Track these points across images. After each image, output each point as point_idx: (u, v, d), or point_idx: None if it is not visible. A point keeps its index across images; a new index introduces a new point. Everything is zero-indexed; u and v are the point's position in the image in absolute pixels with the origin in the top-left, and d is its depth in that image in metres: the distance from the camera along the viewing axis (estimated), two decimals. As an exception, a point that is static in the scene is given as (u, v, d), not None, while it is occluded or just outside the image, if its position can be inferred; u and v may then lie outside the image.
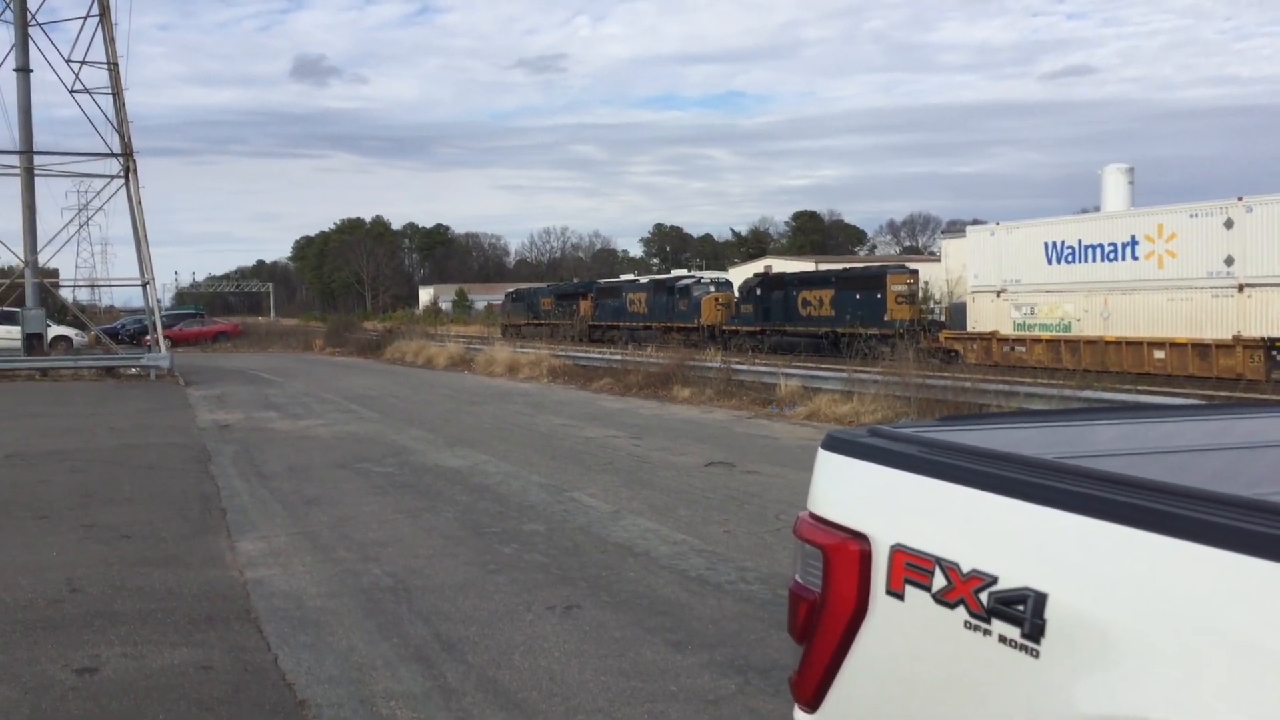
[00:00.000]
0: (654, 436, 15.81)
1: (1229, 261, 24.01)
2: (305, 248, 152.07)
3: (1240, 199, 24.02)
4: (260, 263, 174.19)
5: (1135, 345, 25.86)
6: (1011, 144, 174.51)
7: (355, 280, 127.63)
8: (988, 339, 30.16)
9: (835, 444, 2.42)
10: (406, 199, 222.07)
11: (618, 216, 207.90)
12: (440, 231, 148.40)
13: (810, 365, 24.83)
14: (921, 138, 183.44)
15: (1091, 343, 26.90)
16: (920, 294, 34.96)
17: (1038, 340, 28.64)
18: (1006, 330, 29.83)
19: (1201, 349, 24.31)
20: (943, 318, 35.19)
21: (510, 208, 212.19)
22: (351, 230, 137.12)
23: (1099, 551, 1.74)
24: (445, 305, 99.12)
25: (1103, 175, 35.08)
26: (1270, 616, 1.50)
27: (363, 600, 7.12)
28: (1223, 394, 18.62)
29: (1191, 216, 25.06)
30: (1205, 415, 3.04)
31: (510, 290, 71.41)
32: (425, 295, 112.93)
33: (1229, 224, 24.00)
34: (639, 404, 21.27)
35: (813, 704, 2.34)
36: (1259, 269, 23.32)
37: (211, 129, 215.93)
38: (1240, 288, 23.72)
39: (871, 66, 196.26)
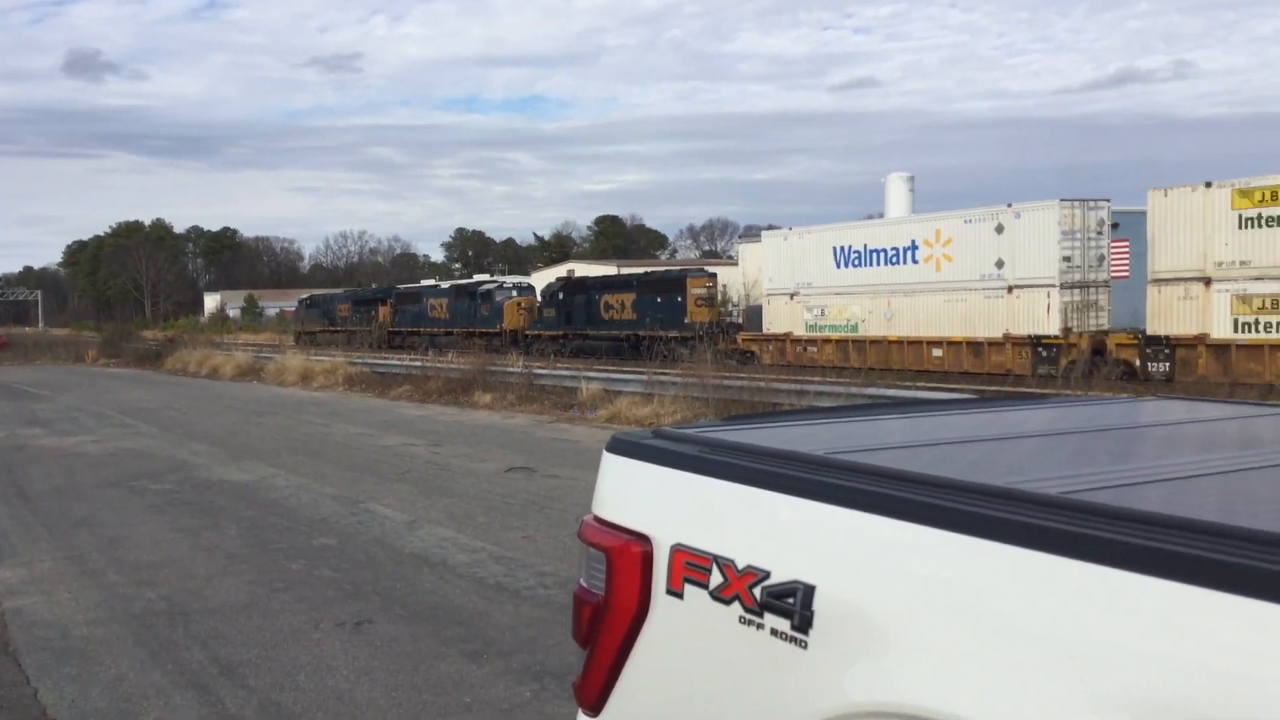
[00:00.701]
0: (454, 443, 15.54)
1: (1000, 264, 25.68)
2: (78, 253, 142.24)
3: (1010, 206, 25.74)
4: (28, 269, 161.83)
5: (916, 344, 27.32)
6: (804, 152, 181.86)
7: (133, 287, 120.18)
8: (782, 340, 31.22)
9: (619, 446, 2.39)
10: (193, 201, 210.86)
11: (419, 220, 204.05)
12: (228, 235, 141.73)
13: (611, 368, 25.04)
14: (720, 145, 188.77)
15: (876, 342, 28.25)
16: (719, 297, 35.86)
17: (828, 340, 29.86)
18: (799, 331, 30.97)
19: (975, 347, 25.93)
20: (740, 320, 36.20)
21: (305, 211, 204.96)
22: (129, 234, 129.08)
23: (864, 542, 1.76)
24: (233, 313, 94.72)
25: (887, 183, 37.00)
26: (1021, 599, 1.54)
27: (134, 626, 6.65)
28: (992, 388, 19.89)
29: (966, 222, 26.69)
30: (970, 409, 3.17)
31: (305, 296, 68.86)
32: (211, 302, 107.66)
33: (1000, 229, 25.67)
34: (439, 411, 20.89)
35: (596, 707, 2.29)
36: (1026, 271, 25.04)
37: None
38: (1010, 289, 25.41)
39: (671, 75, 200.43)
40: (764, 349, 31.43)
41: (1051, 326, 24.47)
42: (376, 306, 53.55)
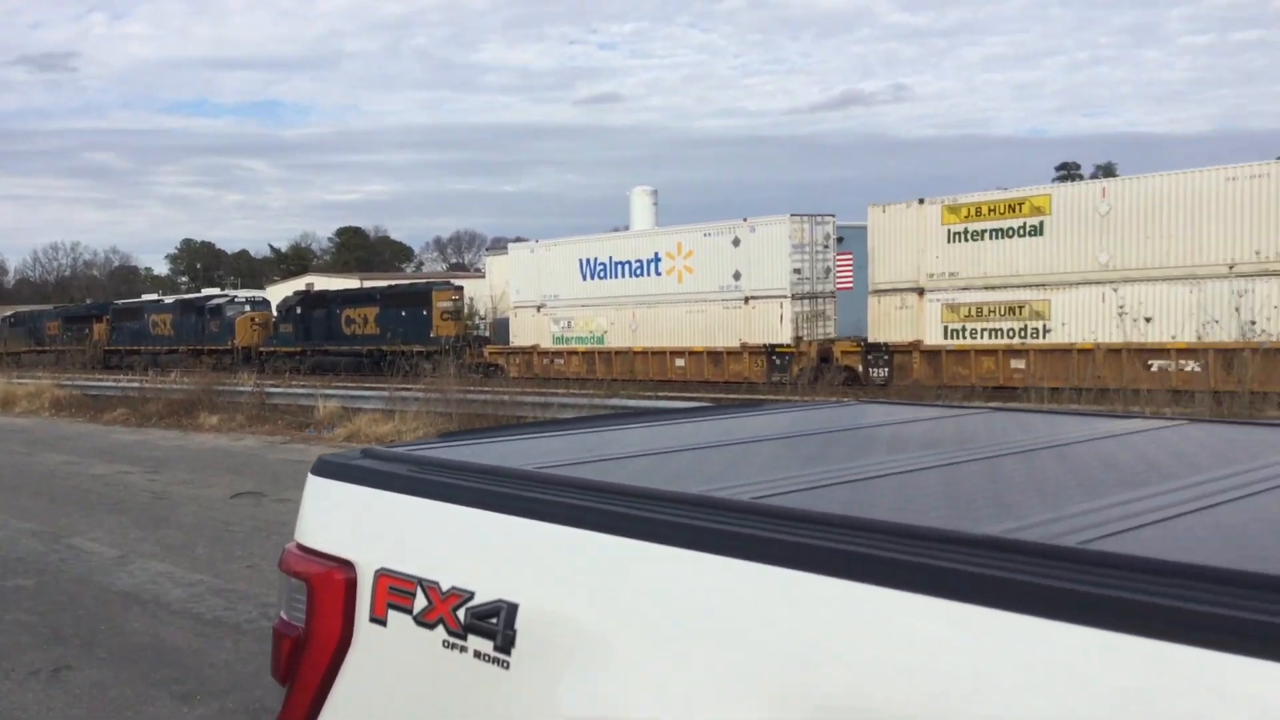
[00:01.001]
0: (174, 469, 14.54)
1: (737, 276, 26.79)
2: None
3: (745, 220, 26.91)
4: None
5: (660, 354, 28.05)
6: (552, 164, 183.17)
7: None
8: (529, 353, 31.27)
9: (324, 468, 2.26)
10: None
11: (141, 231, 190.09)
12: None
13: (351, 385, 24.24)
14: (468, 155, 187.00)
15: (622, 353, 28.80)
16: (466, 310, 35.51)
17: (574, 352, 30.17)
18: (546, 344, 31.12)
19: (715, 356, 26.91)
20: (488, 333, 35.98)
21: (10, 220, 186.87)
22: None
23: (566, 557, 1.73)
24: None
25: (631, 196, 37.78)
26: (718, 605, 1.55)
27: None
28: (730, 396, 20.69)
29: (705, 235, 27.68)
30: (690, 418, 3.23)
31: (8, 314, 62.77)
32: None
33: (736, 242, 26.78)
34: (159, 435, 19.52)
35: (297, 750, 2.14)
36: (761, 283, 26.25)
37: None
38: (746, 300, 26.55)
39: (416, 83, 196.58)
40: (511, 362, 31.38)
41: (784, 336, 25.75)
42: (90, 324, 49.57)
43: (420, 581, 1.91)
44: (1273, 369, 16.95)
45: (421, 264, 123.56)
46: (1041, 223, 21.43)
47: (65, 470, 14.77)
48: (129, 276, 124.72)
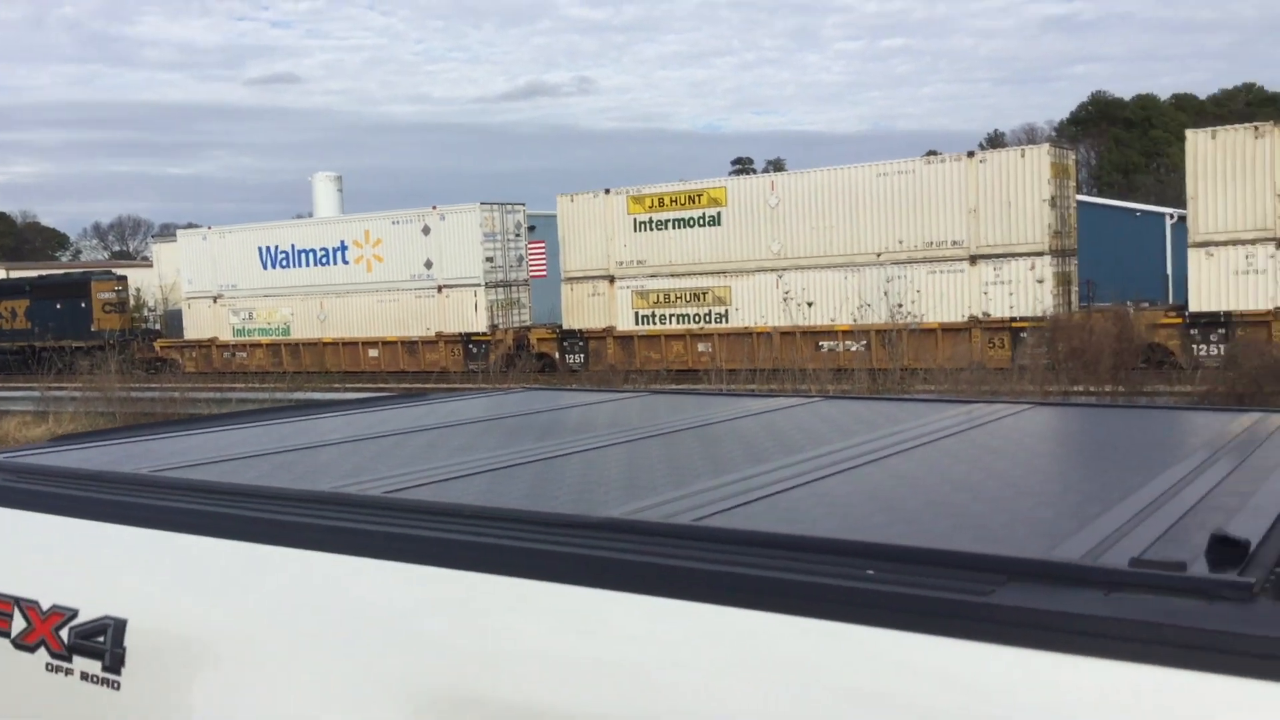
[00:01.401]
0: None
1: (429, 265, 26.40)
2: None
3: (435, 208, 26.55)
4: None
5: (352, 345, 27.20)
6: (225, 147, 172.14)
7: None
8: (207, 346, 29.41)
9: None
10: None
11: None
12: None
13: (-2, 385, 21.85)
14: (128, 135, 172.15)
15: (310, 345, 27.67)
16: (132, 302, 32.84)
17: (258, 345, 28.67)
18: (226, 336, 29.38)
19: (410, 346, 26.42)
20: (159, 326, 33.46)
21: None
22: None
23: (181, 565, 1.65)
24: None
25: (313, 182, 36.28)
26: (353, 606, 1.52)
27: None
28: (425, 385, 20.41)
29: (394, 223, 27.07)
30: (352, 410, 3.15)
31: None
32: None
33: (426, 230, 26.37)
34: None
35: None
36: (454, 271, 26.01)
37: None
38: (440, 289, 26.22)
39: (65, 56, 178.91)
40: (186, 356, 29.39)
41: (479, 324, 25.68)
42: None
43: (17, 601, 1.75)
44: (922, 347, 18.81)
45: (79, 252, 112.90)
46: (719, 213, 22.60)
47: None
48: None
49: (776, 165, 72.98)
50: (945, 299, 20.26)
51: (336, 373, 25.65)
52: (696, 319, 23.04)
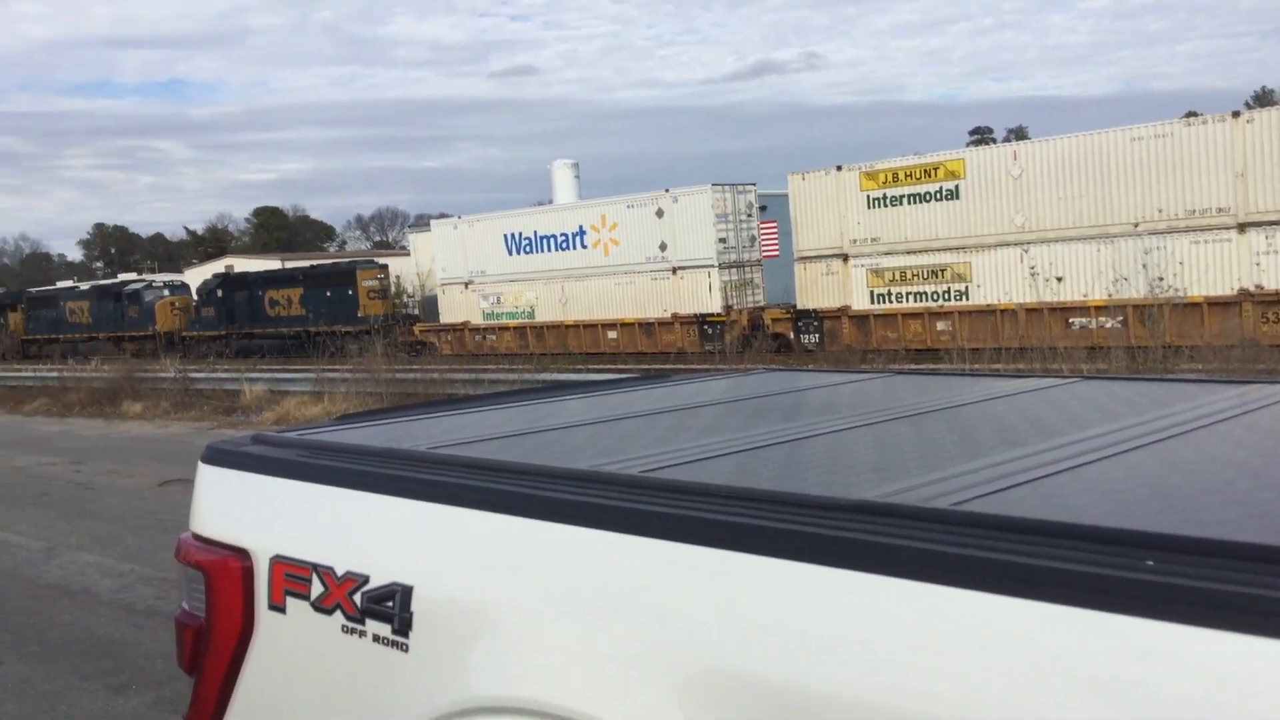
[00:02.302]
0: (99, 459, 14.25)
1: (663, 247, 26.83)
2: None
3: (668, 191, 26.92)
4: None
5: (591, 327, 28.04)
6: (472, 139, 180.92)
7: None
8: (460, 329, 31.04)
9: (214, 456, 2.26)
10: None
11: (51, 216, 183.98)
12: None
13: (277, 368, 23.89)
14: (384, 132, 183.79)
15: (553, 327, 28.73)
16: (392, 288, 35.11)
17: (505, 328, 30.02)
18: (477, 320, 30.91)
19: (647, 327, 26.97)
20: (417, 311, 35.63)
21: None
22: None
23: (458, 537, 1.76)
24: None
25: (552, 170, 37.54)
26: (608, 581, 1.59)
27: None
28: (663, 366, 20.79)
29: (629, 208, 27.65)
30: (600, 391, 3.27)
31: (-83, 305, 60.64)
32: None
33: (660, 213, 26.80)
34: (82, 424, 19.09)
35: (208, 739, 2.16)
36: (688, 253, 26.33)
37: None
38: (674, 270, 26.61)
39: (326, 59, 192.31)
40: (442, 339, 31.14)
41: (714, 305, 25.88)
42: (5, 313, 48.08)
43: (315, 567, 1.92)
44: (1185, 323, 17.49)
45: (344, 243, 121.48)
46: (957, 186, 21.78)
47: (-18, 465, 14.41)
48: (41, 263, 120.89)
49: (1018, 134, 69.55)
50: (1211, 270, 18.73)
51: (579, 354, 26.50)
52: (934, 297, 22.32)
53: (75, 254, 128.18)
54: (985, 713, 1.22)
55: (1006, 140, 61.97)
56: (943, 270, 22.16)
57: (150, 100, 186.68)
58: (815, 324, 23.96)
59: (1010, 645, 1.23)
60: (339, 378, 18.10)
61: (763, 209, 27.41)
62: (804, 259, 24.27)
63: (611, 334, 27.67)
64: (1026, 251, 20.77)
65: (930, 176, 22.16)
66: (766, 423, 2.41)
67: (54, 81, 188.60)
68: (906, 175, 22.53)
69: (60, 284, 64.92)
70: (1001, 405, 2.62)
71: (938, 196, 22.07)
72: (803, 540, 1.41)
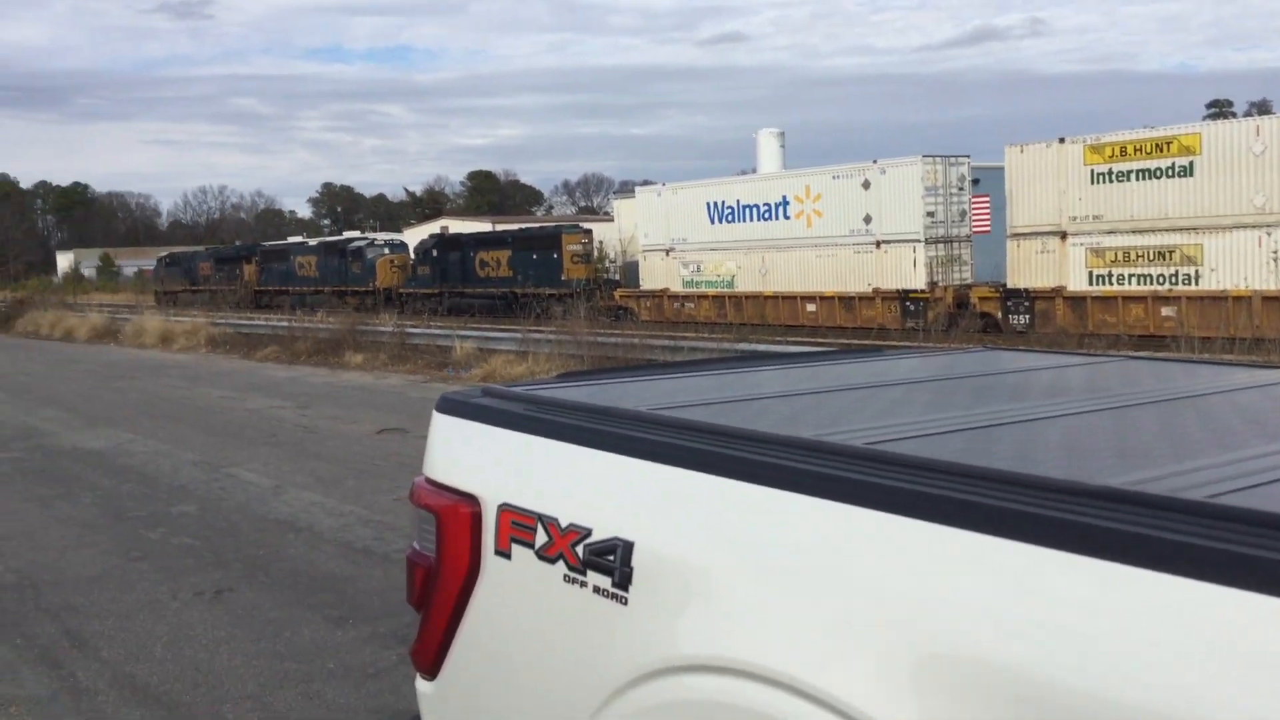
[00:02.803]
0: (323, 405, 15.23)
1: (867, 220, 26.26)
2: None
3: (875, 162, 26.29)
4: None
5: (790, 299, 27.80)
6: (679, 106, 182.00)
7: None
8: (659, 296, 31.39)
9: (448, 406, 2.37)
10: (41, 155, 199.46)
11: (285, 175, 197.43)
12: (79, 190, 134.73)
13: (486, 326, 24.82)
14: (594, 98, 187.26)
15: (752, 298, 28.65)
16: (595, 253, 35.80)
17: (704, 296, 30.15)
18: (676, 287, 31.17)
19: (847, 301, 26.52)
20: (618, 276, 36.23)
21: (162, 165, 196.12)
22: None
23: (678, 497, 1.80)
24: (89, 272, 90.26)
25: (758, 138, 37.31)
26: (826, 550, 1.59)
27: (-23, 603, 6.36)
28: (856, 342, 20.42)
29: (834, 178, 27.17)
30: (809, 363, 3.25)
31: (164, 255, 66.09)
32: (64, 261, 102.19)
33: (866, 185, 26.22)
34: (308, 372, 20.41)
35: (432, 671, 2.29)
36: (893, 226, 25.67)
37: None
38: (878, 244, 26.02)
39: (542, 26, 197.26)
40: (641, 305, 31.56)
41: (918, 281, 25.18)
42: (241, 265, 51.80)
43: (540, 517, 2.00)
44: None
45: (551, 207, 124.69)
46: (1191, 163, 20.32)
47: (222, 404, 15.64)
48: (274, 219, 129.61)
49: (1261, 108, 64.25)
50: None
51: (777, 326, 26.35)
52: (1160, 280, 20.96)
53: (305, 211, 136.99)
54: (1220, 715, 1.17)
55: (1248, 114, 57.36)
56: (1171, 252, 20.80)
57: (377, 66, 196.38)
58: (1026, 304, 22.95)
59: (1267, 649, 1.16)
60: (542, 338, 18.65)
61: (975, 182, 26.39)
62: (1017, 235, 23.24)
63: (810, 307, 27.35)
64: (1269, 234, 19.22)
65: (1162, 151, 20.76)
66: (994, 402, 2.34)
67: (291, 46, 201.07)
68: (1136, 149, 21.19)
69: (290, 239, 69.43)
70: (1254, 396, 2.45)
71: (1169, 173, 20.67)
72: (1047, 525, 1.36)
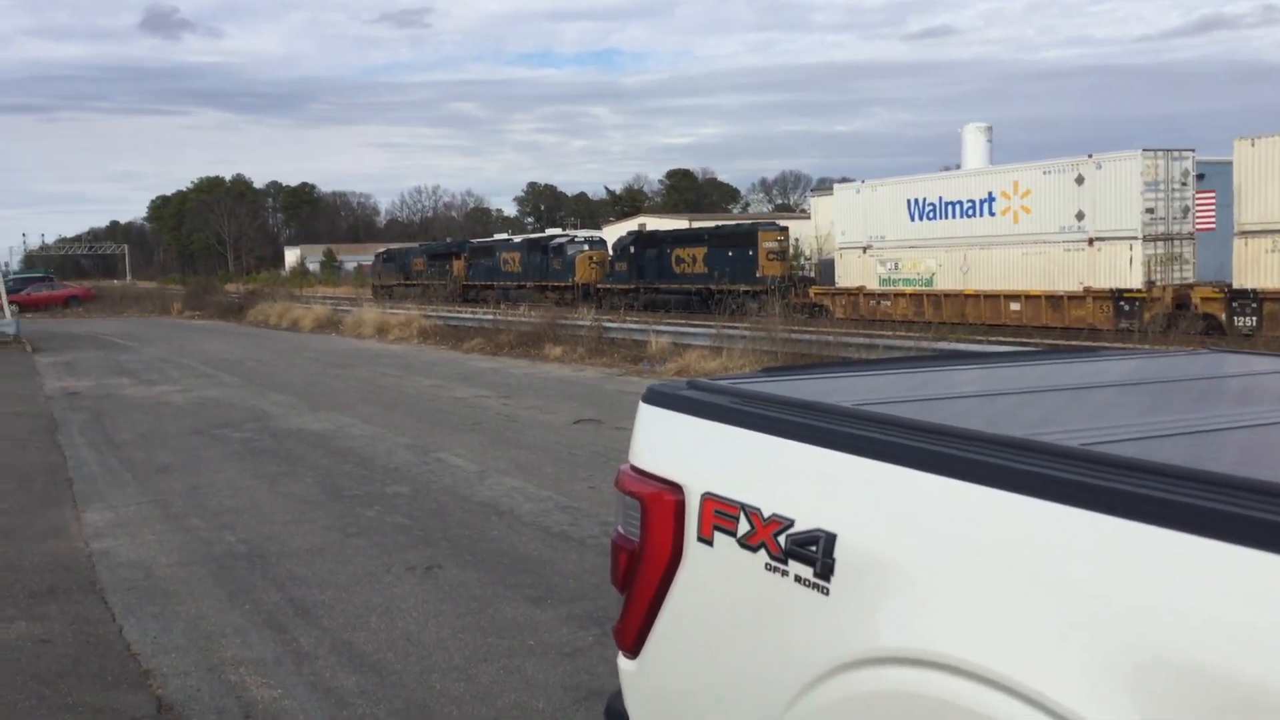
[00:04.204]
0: (523, 395, 15.76)
1: (1080, 216, 25.04)
2: (162, 208, 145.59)
3: (1090, 156, 25.04)
4: (115, 224, 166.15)
5: (993, 298, 26.84)
6: (883, 103, 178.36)
7: (216, 241, 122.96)
8: (855, 294, 30.90)
9: (654, 397, 2.44)
10: (280, 157, 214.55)
11: (495, 175, 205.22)
12: (306, 190, 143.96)
13: (680, 322, 25.07)
14: (797, 96, 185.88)
15: (951, 296, 27.81)
16: (791, 251, 35.55)
17: (901, 294, 29.48)
18: (872, 285, 30.61)
19: (1054, 300, 25.39)
20: (813, 274, 35.87)
21: (386, 166, 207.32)
22: (210, 189, 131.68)
23: (882, 492, 1.80)
24: (313, 267, 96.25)
25: (963, 134, 36.15)
26: (1035, 549, 1.57)
27: (214, 568, 6.94)
28: (1065, 343, 19.51)
29: (1045, 174, 26.04)
30: (1015, 362, 3.16)
31: (381, 250, 69.79)
32: (291, 256, 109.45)
33: (1080, 180, 25.00)
34: (510, 363, 21.17)
35: (634, 650, 2.38)
36: (1107, 223, 24.40)
37: (64, 84, 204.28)
38: (1090, 241, 24.79)
39: (747, 25, 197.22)
40: (836, 303, 31.15)
41: (1134, 280, 23.86)
42: (450, 260, 54.06)
43: (743, 506, 2.04)
44: None
45: (747, 205, 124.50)
46: None
47: (431, 392, 16.42)
48: (482, 217, 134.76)
49: None
50: None
51: (978, 324, 25.49)
52: None
53: (510, 209, 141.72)
54: None
55: None
56: None
57: (584, 69, 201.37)
58: (1254, 305, 21.37)
59: None
60: (737, 335, 18.69)
61: (1200, 177, 24.75)
62: (1246, 233, 21.66)
63: (1014, 306, 26.32)
64: None
65: None
66: (1219, 406, 2.24)
67: (502, 53, 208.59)
68: (1387, 140, 19.38)
69: (496, 236, 72.03)
70: None
71: None
72: (1272, 529, 1.31)
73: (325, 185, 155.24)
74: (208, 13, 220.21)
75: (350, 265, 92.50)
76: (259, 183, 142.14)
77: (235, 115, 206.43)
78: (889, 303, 29.76)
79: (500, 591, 6.33)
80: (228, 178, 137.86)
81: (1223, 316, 21.90)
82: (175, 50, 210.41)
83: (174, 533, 7.89)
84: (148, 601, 6.28)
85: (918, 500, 1.74)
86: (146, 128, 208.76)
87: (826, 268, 34.12)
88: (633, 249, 40.14)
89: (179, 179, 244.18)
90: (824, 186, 48.05)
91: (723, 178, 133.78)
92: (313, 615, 5.97)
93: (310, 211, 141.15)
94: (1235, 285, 21.98)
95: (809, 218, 39.74)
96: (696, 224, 49.19)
